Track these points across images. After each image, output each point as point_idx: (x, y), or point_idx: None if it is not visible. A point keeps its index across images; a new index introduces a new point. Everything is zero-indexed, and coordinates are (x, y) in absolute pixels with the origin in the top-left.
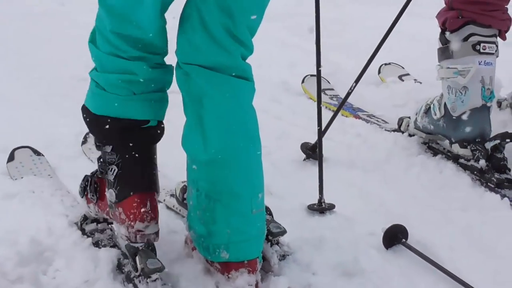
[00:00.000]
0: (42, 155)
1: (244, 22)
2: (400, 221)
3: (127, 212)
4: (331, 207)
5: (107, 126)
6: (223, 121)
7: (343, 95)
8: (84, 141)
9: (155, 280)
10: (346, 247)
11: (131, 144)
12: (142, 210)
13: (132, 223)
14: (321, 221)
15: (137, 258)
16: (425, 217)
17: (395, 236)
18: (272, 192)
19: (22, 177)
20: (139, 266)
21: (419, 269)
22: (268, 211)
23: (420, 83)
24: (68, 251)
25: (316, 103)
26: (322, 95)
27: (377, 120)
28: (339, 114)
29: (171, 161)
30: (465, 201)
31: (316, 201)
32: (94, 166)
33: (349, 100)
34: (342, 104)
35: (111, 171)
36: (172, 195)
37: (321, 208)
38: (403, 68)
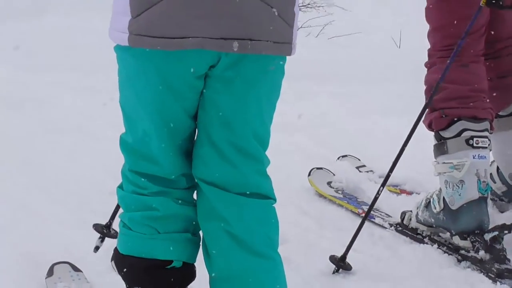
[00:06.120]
0: (81, 271)
1: (247, 134)
2: None
3: None
4: None
5: (132, 266)
6: (226, 243)
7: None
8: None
9: None
10: None
11: (155, 286)
12: None
13: None
14: None
15: None
16: None
17: None
18: None
19: None
20: None
21: None
22: None
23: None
24: None
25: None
26: (327, 188)
27: (380, 214)
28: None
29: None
30: None
31: None
32: None
33: (354, 193)
34: (368, 213)
35: None
36: None
37: None
38: (359, 160)
